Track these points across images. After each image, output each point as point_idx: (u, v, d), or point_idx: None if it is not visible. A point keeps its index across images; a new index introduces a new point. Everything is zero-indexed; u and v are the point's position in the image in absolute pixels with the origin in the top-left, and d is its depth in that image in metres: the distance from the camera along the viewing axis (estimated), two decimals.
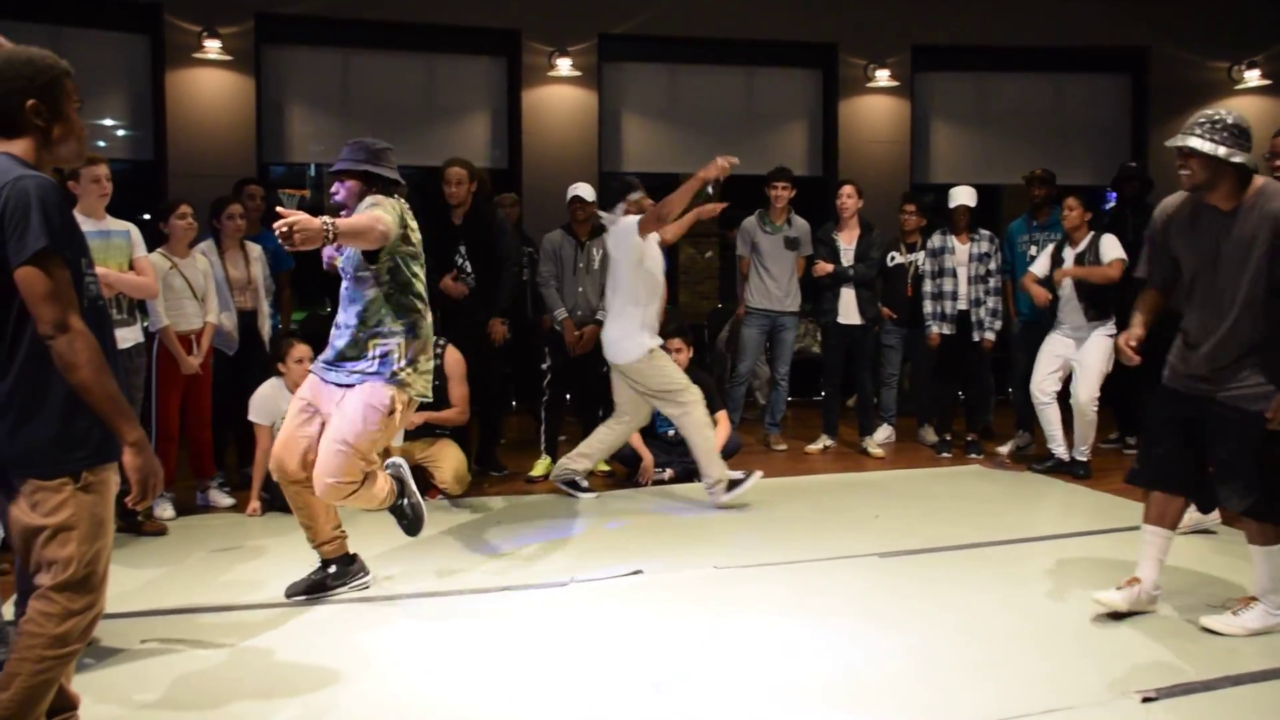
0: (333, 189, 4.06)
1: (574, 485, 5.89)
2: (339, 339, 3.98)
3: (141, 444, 2.44)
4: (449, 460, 5.66)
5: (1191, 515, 5.03)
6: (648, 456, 6.16)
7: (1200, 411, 3.76)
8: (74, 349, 2.32)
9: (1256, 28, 9.50)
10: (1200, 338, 3.76)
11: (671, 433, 6.37)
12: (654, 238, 5.61)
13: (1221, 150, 3.54)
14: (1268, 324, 3.63)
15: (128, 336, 4.91)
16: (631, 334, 5.55)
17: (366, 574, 4.23)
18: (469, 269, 6.09)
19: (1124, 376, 6.59)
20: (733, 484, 5.58)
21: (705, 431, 5.59)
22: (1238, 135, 3.57)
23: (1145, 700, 3.14)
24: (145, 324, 5.24)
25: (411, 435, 5.65)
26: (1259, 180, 3.65)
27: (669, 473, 6.24)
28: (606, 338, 5.70)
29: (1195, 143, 3.58)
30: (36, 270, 2.30)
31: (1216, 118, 3.61)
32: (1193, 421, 3.79)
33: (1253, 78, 9.43)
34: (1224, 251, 3.67)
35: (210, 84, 8.43)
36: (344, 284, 4.05)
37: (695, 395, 5.58)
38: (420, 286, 4.05)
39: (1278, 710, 3.13)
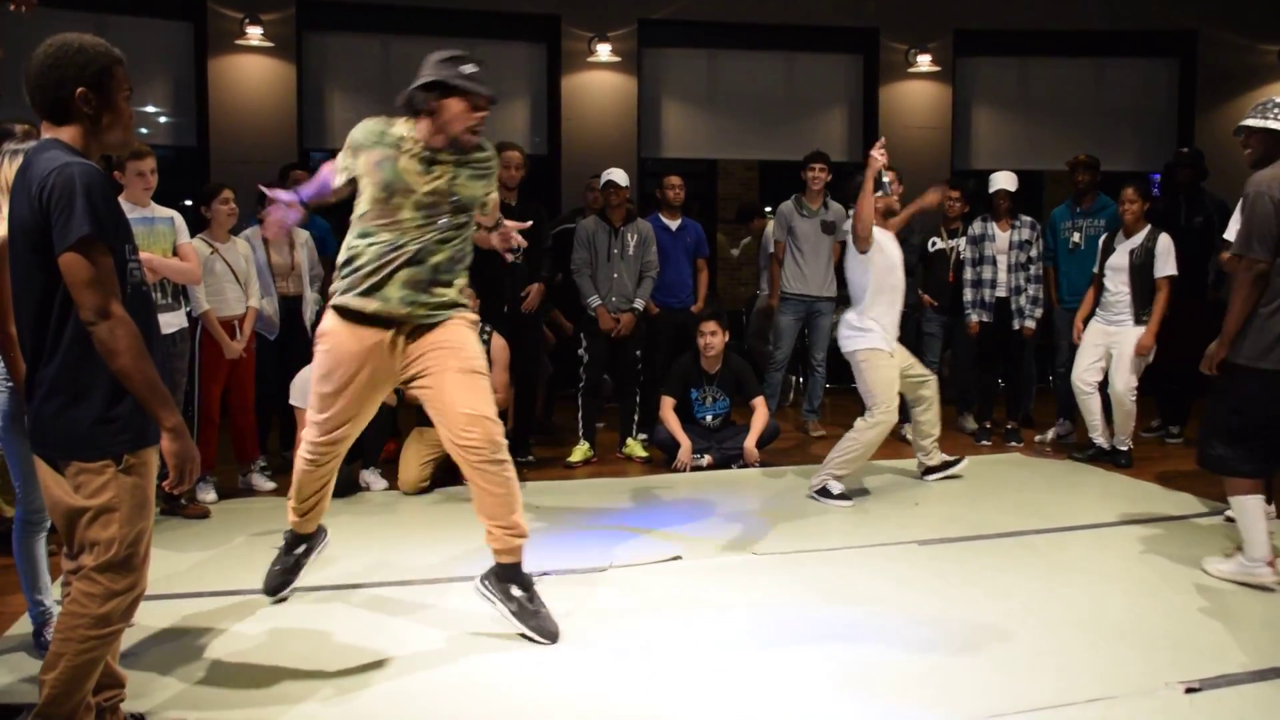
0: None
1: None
2: (440, 281, 3.56)
3: (179, 430, 2.47)
4: None
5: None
6: (686, 443, 6.15)
7: None
8: (115, 335, 2.35)
9: None
10: None
11: (709, 418, 6.37)
12: (883, 238, 5.41)
13: (1273, 124, 4.02)
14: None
15: (171, 321, 4.97)
16: (851, 325, 5.47)
17: (326, 534, 4.10)
18: (520, 249, 6.12)
19: (1164, 366, 6.52)
20: (827, 492, 5.45)
21: (865, 451, 5.42)
22: None
23: (1189, 691, 3.11)
24: (189, 309, 5.31)
25: None
26: None
27: (707, 459, 6.23)
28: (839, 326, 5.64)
29: (1249, 121, 4.10)
30: (79, 257, 2.33)
31: (1270, 100, 4.10)
32: None
33: None
34: None
35: (252, 70, 8.51)
36: (428, 224, 3.52)
37: (885, 417, 5.38)
38: None
39: None
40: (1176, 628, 3.66)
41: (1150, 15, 9.59)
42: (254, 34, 8.34)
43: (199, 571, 4.31)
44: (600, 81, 9.13)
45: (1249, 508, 4.06)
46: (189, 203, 7.49)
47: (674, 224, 6.88)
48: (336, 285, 3.58)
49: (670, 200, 6.89)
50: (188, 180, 8.60)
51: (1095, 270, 6.37)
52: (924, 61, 9.36)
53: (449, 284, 3.60)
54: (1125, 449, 6.28)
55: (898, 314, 5.52)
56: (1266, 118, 4.04)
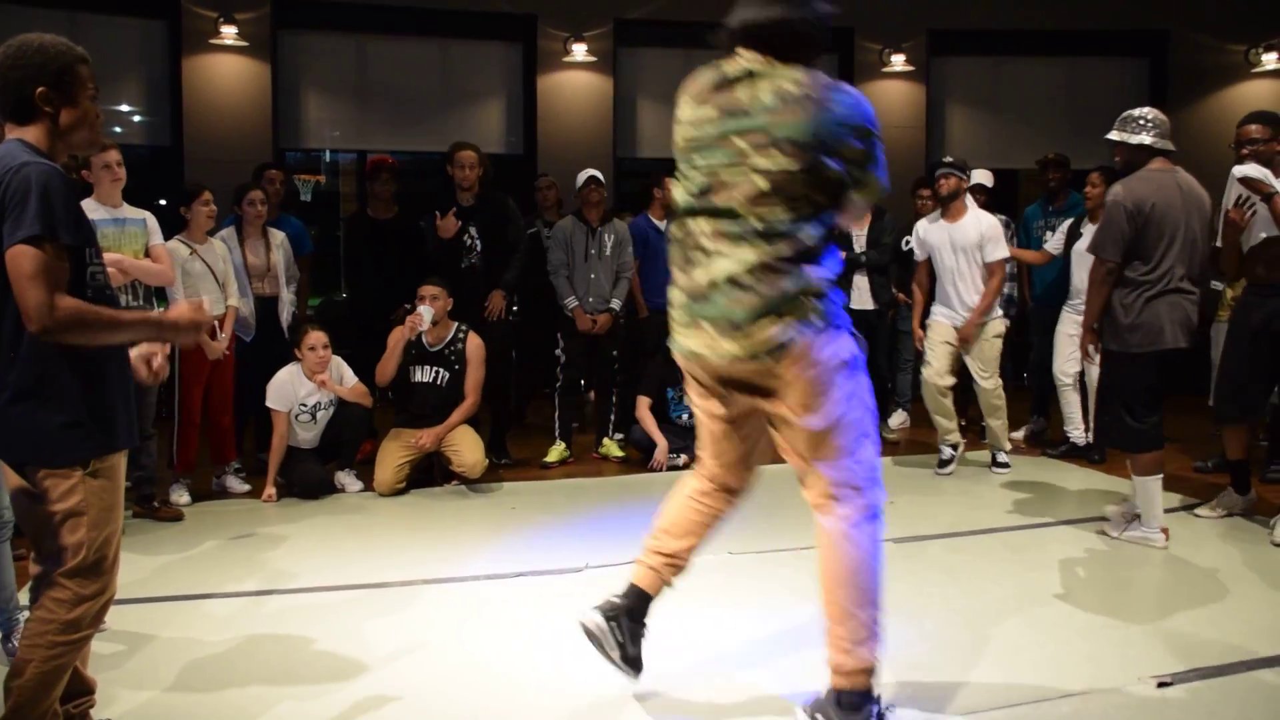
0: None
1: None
2: None
3: (164, 323, 2.54)
4: (467, 445, 5.68)
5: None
6: (663, 442, 6.16)
7: None
8: (70, 329, 2.30)
9: (1274, 11, 9.41)
10: None
11: (686, 417, 6.37)
12: (927, 233, 6.19)
13: (1130, 138, 4.50)
14: None
15: None
16: None
17: None
18: (478, 249, 6.11)
19: None
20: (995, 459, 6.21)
21: (926, 399, 6.19)
22: (1144, 124, 4.50)
23: (1161, 685, 3.14)
24: (163, 310, 5.26)
25: (426, 422, 5.67)
26: (1157, 162, 4.50)
27: (684, 458, 6.22)
28: None
29: (1111, 135, 4.58)
30: (25, 250, 2.26)
31: (1127, 114, 4.59)
32: None
33: (1270, 60, 9.39)
34: None
35: (227, 70, 8.46)
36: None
37: (924, 367, 6.18)
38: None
39: None
40: (1150, 622, 3.69)
41: (1122, 15, 9.65)
42: (229, 33, 8.29)
43: (171, 575, 4.27)
44: (576, 81, 9.12)
45: (1150, 488, 4.57)
46: (164, 202, 7.43)
47: (664, 224, 6.89)
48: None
49: (669, 201, 6.89)
50: (163, 179, 8.53)
51: (1056, 251, 6.48)
52: (898, 61, 9.39)
53: None
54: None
55: (953, 290, 6.05)
56: (1124, 131, 4.53)
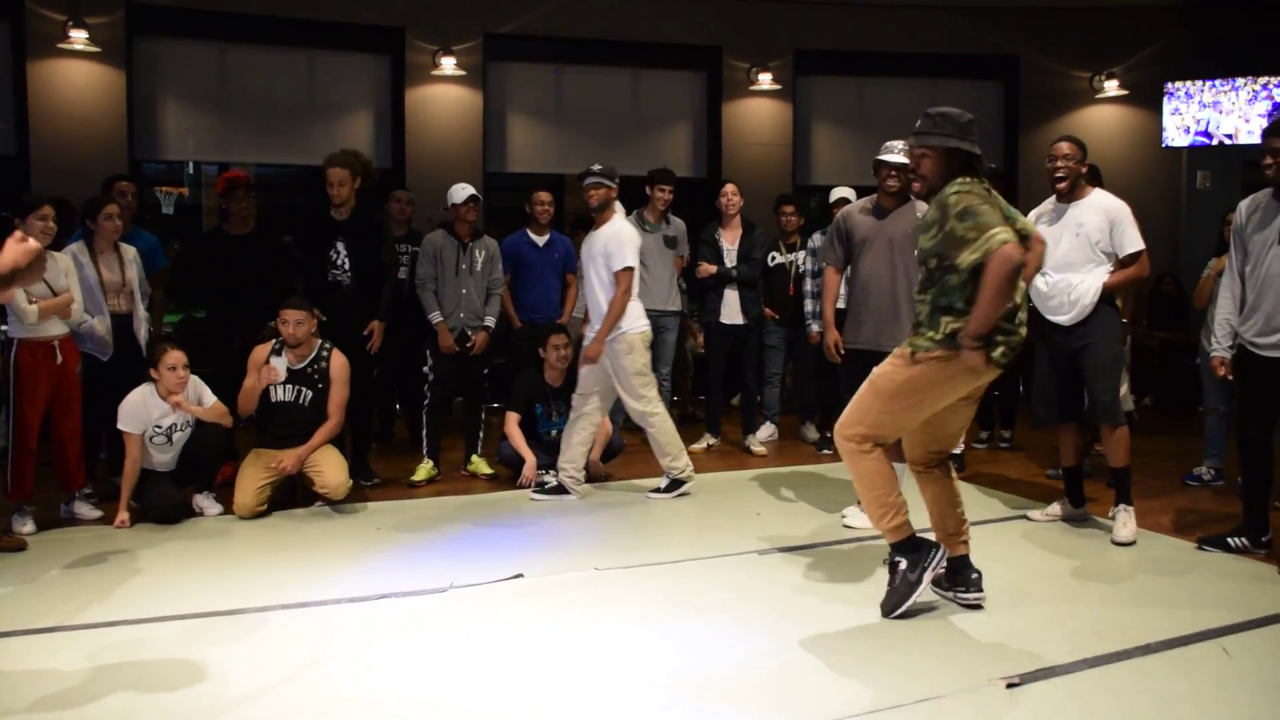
0: (916, 158, 4.16)
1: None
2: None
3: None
4: (331, 465, 5.55)
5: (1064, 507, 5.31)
6: (531, 458, 6.12)
7: None
8: None
9: (1115, 42, 9.96)
10: None
11: (555, 433, 6.35)
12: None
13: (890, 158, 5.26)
14: None
15: None
16: None
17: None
18: (346, 266, 5.99)
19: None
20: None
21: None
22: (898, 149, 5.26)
23: (1009, 686, 3.26)
24: (3, 328, 5.01)
25: (289, 443, 5.54)
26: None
27: (552, 474, 6.20)
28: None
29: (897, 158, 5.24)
30: None
31: (898, 143, 5.20)
32: None
33: (1111, 87, 9.92)
34: None
35: (77, 76, 8.11)
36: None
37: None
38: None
39: (1129, 689, 3.27)
40: (1002, 625, 3.82)
41: (978, 40, 10.05)
42: (78, 38, 7.94)
43: (12, 607, 4.04)
44: (445, 95, 9.05)
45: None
46: (3, 213, 7.08)
47: (541, 239, 6.85)
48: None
49: (538, 218, 6.86)
50: (8, 190, 8.11)
51: None
52: (765, 80, 9.58)
53: None
54: (958, 452, 6.53)
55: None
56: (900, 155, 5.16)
